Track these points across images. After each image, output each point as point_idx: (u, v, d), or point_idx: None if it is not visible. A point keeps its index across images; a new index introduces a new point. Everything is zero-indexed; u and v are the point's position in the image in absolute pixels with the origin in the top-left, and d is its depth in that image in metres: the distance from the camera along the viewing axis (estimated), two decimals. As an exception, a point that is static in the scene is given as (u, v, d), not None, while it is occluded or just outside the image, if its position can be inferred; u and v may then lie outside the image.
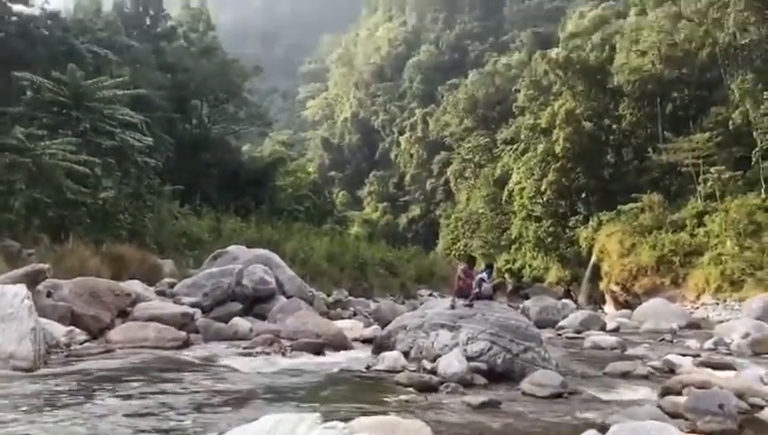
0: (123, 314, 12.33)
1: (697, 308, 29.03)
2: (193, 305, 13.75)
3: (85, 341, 10.67)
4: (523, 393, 7.96)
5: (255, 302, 15.56)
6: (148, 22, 42.08)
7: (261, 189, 38.78)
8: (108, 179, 21.34)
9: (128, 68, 31.02)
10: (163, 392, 7.22)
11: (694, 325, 20.01)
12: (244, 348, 11.02)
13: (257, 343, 11.20)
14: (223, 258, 17.48)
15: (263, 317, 14.91)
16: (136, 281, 14.53)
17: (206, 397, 7.10)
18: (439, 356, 9.00)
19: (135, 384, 7.62)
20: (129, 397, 6.91)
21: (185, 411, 6.34)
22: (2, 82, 24.38)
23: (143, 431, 5.58)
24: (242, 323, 13.09)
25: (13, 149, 17.97)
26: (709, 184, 36.58)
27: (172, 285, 15.79)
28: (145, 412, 6.26)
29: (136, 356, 9.78)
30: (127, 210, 21.12)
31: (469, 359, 8.78)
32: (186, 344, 11.18)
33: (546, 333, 15.17)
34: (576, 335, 16.36)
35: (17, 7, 27.87)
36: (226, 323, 13.11)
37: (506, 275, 51.10)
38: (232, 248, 18.27)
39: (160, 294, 14.96)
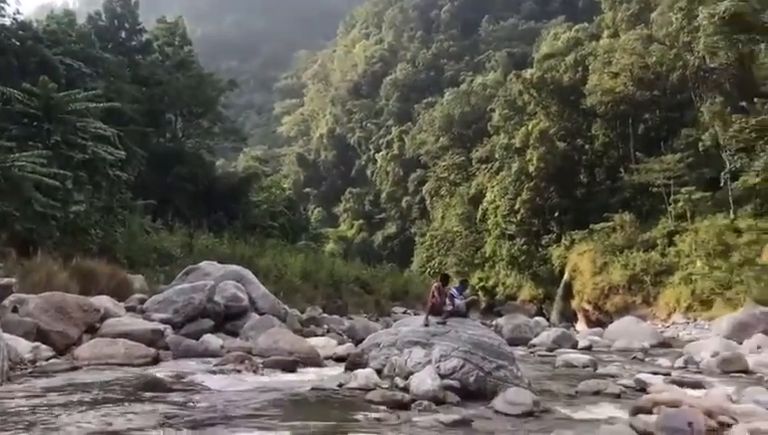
0: (92, 331, 12.11)
1: (668, 327, 29.27)
2: (163, 322, 13.56)
3: (51, 357, 10.46)
4: (496, 412, 7.90)
5: (227, 319, 15.40)
6: (123, 35, 41.69)
7: (234, 205, 38.45)
8: (79, 193, 20.95)
9: (101, 81, 30.69)
10: (129, 411, 7.05)
11: (665, 344, 20.14)
12: (215, 365, 10.86)
13: (228, 361, 11.06)
14: (194, 274, 17.29)
15: (234, 334, 14.77)
16: (105, 296, 14.24)
17: (174, 416, 6.94)
18: (412, 374, 8.93)
19: (100, 402, 7.44)
20: (93, 415, 6.73)
21: (151, 431, 6.19)
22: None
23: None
24: (213, 340, 12.92)
25: (-20, 161, 17.65)
26: (680, 204, 37.12)
27: (142, 301, 15.51)
28: (110, 431, 6.11)
29: (103, 373, 9.57)
30: (98, 224, 20.73)
31: (442, 376, 8.73)
32: (155, 361, 10.99)
33: (519, 351, 15.22)
34: (548, 353, 16.38)
35: (-13, 17, 27.57)
36: (197, 339, 12.90)
37: (480, 293, 51.30)
38: (204, 264, 18.06)
39: (130, 310, 14.71)
